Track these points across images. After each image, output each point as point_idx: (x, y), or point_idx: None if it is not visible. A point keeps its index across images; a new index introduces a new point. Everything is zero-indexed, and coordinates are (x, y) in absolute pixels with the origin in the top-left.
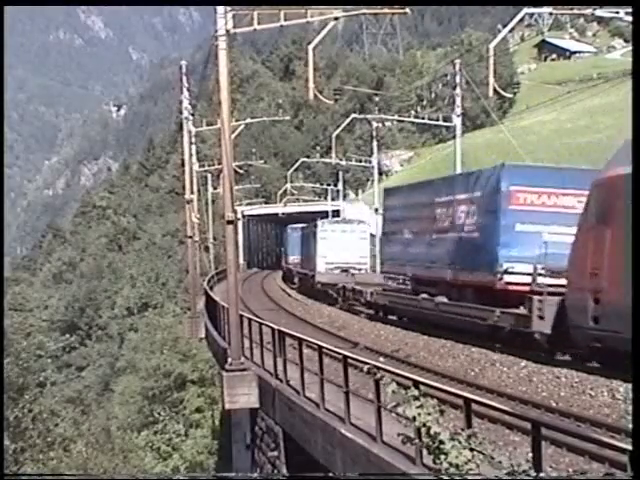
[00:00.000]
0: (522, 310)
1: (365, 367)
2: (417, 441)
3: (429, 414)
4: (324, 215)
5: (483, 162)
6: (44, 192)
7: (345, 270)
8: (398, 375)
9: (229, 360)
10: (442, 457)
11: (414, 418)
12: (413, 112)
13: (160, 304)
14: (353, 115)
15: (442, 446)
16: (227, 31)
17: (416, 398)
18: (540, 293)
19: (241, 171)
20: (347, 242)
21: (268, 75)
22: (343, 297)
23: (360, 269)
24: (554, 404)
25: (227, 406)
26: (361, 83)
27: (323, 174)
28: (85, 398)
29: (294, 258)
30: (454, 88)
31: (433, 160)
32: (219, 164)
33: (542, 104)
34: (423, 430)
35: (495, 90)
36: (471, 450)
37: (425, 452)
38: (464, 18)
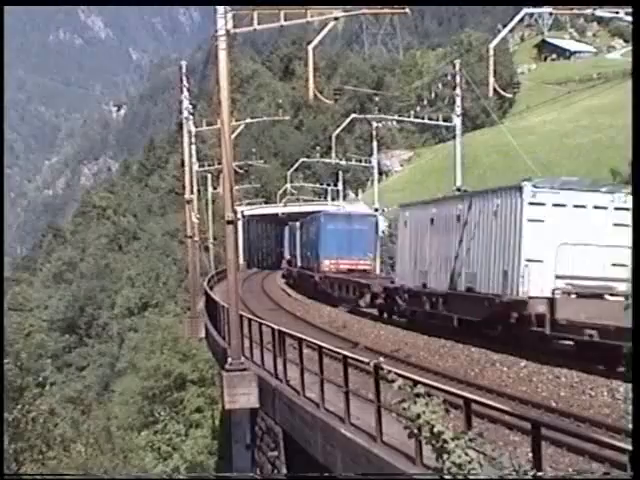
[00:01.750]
0: None
1: (372, 362)
2: (420, 438)
3: (434, 412)
4: None
5: (483, 162)
6: (44, 192)
7: (598, 295)
8: (398, 375)
9: (229, 360)
10: (445, 456)
11: (419, 416)
12: (413, 112)
13: (160, 304)
14: (353, 115)
15: (445, 445)
16: (227, 31)
17: (422, 396)
18: None
19: (241, 171)
20: (591, 231)
21: (268, 75)
22: None
23: (618, 291)
24: (554, 404)
25: (227, 406)
26: (361, 83)
27: (323, 174)
28: (85, 398)
29: (337, 262)
30: (454, 88)
31: (433, 160)
32: (219, 164)
33: (542, 104)
34: (427, 428)
35: (495, 90)
36: (475, 450)
37: (426, 452)
38: (464, 18)
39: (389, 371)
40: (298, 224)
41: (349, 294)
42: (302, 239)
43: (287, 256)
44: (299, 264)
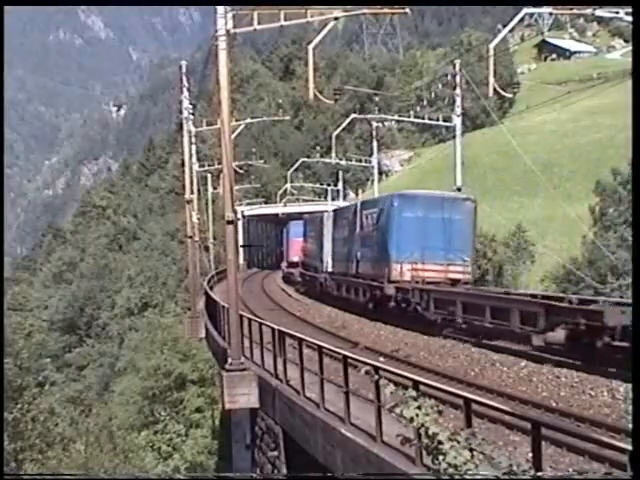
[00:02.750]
0: None
1: (363, 369)
2: (416, 441)
3: (427, 414)
4: None
5: (483, 162)
6: (44, 192)
7: None
8: (398, 375)
9: (229, 360)
10: (441, 457)
11: (412, 419)
12: (413, 112)
13: (160, 304)
14: (353, 115)
15: (440, 446)
16: (227, 31)
17: (414, 399)
18: None
19: (241, 171)
20: None
21: (268, 75)
22: None
23: None
24: (554, 404)
25: (227, 406)
26: (361, 83)
27: (323, 174)
28: (85, 398)
29: (421, 268)
30: (454, 88)
31: (433, 160)
32: (219, 164)
33: (542, 104)
34: (422, 430)
35: (495, 90)
36: (470, 450)
37: (424, 452)
38: (464, 18)
39: (380, 377)
40: (328, 214)
41: (509, 322)
42: (339, 233)
43: (293, 258)
44: (328, 269)
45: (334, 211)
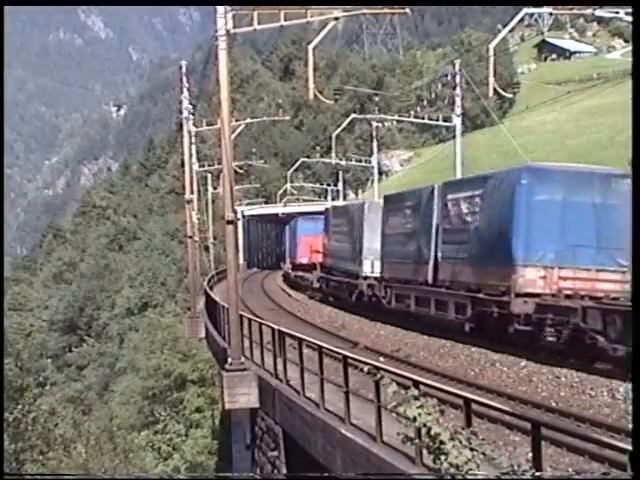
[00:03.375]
0: None
1: (365, 368)
2: (417, 441)
3: (429, 414)
4: None
5: (483, 162)
6: (44, 192)
7: None
8: (398, 375)
9: (229, 360)
10: (442, 457)
11: (414, 419)
12: (413, 112)
13: (160, 304)
14: (353, 115)
15: (442, 446)
16: (227, 31)
17: (416, 398)
18: None
19: (241, 171)
20: None
21: (268, 75)
22: None
23: None
24: (554, 404)
25: (227, 406)
26: (361, 83)
27: (323, 174)
28: (85, 398)
29: (573, 277)
30: (454, 88)
31: (434, 160)
32: (219, 164)
33: (542, 104)
34: (423, 430)
35: (495, 90)
36: (471, 450)
37: (425, 452)
38: (464, 18)
39: (382, 377)
40: (372, 204)
41: None
42: (395, 227)
43: (301, 259)
44: (374, 273)
45: (386, 198)
